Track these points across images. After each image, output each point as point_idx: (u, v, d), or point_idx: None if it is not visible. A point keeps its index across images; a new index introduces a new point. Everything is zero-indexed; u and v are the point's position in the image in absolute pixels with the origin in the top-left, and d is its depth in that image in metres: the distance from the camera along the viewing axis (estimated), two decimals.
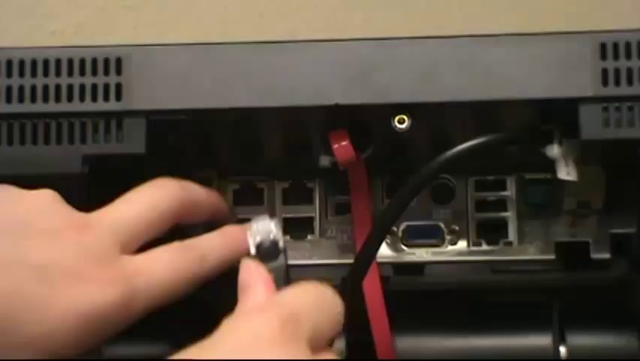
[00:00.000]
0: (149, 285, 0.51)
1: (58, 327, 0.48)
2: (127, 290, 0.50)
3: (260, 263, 0.52)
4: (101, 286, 0.49)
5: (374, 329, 0.59)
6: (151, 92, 0.55)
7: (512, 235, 0.62)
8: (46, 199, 0.52)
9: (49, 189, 0.52)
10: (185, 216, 0.54)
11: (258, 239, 0.53)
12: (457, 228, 0.62)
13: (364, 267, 0.56)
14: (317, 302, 0.49)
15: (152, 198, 0.53)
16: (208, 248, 0.53)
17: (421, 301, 0.62)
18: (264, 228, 0.54)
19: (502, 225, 0.62)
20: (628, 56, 0.54)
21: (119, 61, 0.55)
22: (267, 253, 0.53)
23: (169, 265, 0.52)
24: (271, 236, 0.53)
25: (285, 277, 0.53)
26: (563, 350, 0.60)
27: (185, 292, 0.52)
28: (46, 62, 0.55)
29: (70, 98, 0.55)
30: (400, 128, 0.55)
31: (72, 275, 0.49)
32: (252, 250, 0.53)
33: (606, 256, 0.61)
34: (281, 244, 0.53)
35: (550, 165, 0.56)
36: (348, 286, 0.56)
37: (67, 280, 0.49)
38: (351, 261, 0.58)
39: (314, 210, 0.62)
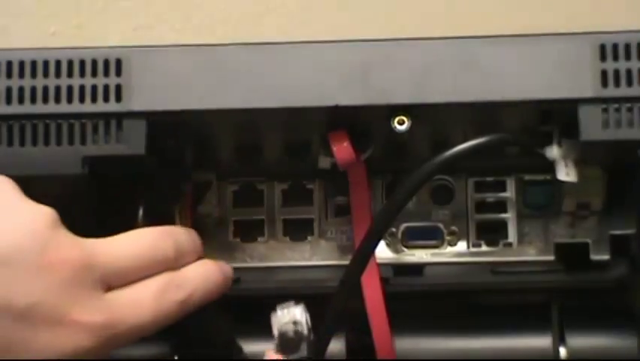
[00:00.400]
0: (128, 329, 0.51)
1: None
2: (105, 337, 0.50)
3: (280, 355, 0.52)
4: (80, 332, 0.49)
5: (374, 330, 0.59)
6: (151, 93, 0.55)
7: (512, 236, 0.62)
8: (43, 224, 0.50)
9: (49, 207, 0.51)
10: (173, 267, 0.53)
11: (281, 328, 0.53)
12: (456, 229, 0.62)
13: (361, 265, 0.56)
14: None
15: (151, 246, 0.53)
16: (193, 288, 0.53)
17: (421, 302, 0.62)
18: (289, 316, 0.53)
19: (502, 226, 0.62)
20: (627, 57, 0.54)
21: (118, 62, 0.55)
22: (288, 343, 0.52)
23: (153, 308, 0.51)
24: (295, 326, 0.53)
25: None
26: (562, 350, 0.60)
27: (162, 329, 0.52)
28: (46, 63, 0.55)
29: (70, 100, 0.54)
30: (399, 130, 0.55)
31: (54, 317, 0.49)
32: (275, 339, 0.53)
33: (606, 257, 0.61)
34: (305, 332, 0.53)
35: (550, 166, 0.56)
36: (346, 285, 0.56)
37: (49, 323, 0.49)
38: None
39: (313, 212, 0.62)
